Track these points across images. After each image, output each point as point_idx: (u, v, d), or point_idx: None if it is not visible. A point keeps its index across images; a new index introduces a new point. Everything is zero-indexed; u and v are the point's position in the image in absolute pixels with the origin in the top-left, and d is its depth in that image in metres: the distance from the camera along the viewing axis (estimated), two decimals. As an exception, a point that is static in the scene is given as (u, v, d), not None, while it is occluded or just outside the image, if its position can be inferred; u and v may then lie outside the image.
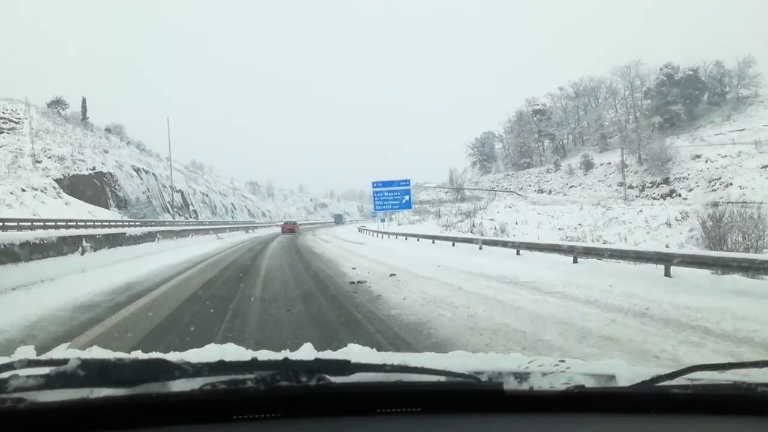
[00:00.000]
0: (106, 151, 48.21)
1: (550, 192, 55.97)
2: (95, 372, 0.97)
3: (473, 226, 28.12)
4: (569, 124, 69.77)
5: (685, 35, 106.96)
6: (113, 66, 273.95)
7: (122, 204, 42.33)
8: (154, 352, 1.25)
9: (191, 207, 60.51)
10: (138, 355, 1.19)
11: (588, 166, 55.43)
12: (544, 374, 1.06)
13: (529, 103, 74.18)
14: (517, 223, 27.73)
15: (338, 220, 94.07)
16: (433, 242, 19.05)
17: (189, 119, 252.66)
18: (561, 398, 1.03)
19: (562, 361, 1.17)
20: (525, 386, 1.04)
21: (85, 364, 0.97)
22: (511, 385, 1.05)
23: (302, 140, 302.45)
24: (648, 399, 1.06)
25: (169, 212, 48.65)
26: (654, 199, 40.10)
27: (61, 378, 0.95)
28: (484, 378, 1.06)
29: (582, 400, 1.04)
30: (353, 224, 76.27)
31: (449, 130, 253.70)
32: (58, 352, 1.44)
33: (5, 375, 0.97)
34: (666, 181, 43.02)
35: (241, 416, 1.01)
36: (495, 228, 25.82)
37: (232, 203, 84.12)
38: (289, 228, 41.02)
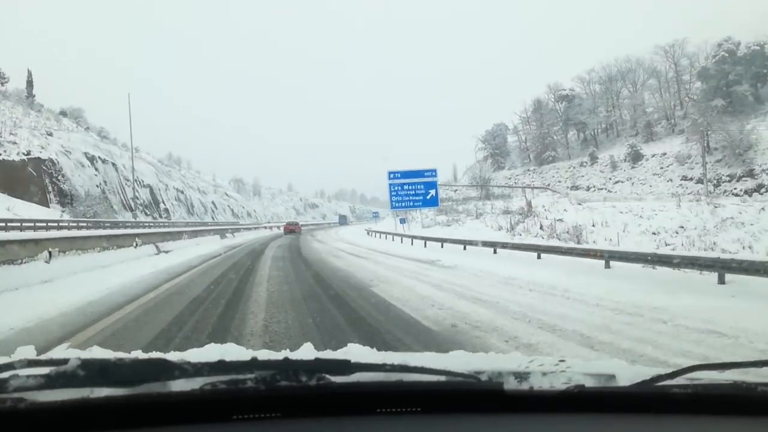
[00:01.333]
0: (50, 134, 46.20)
1: (588, 188, 55.45)
2: (95, 372, 1.14)
3: (542, 228, 25.71)
4: (600, 112, 69.69)
5: (683, 35, 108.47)
6: (110, 65, 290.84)
7: (67, 199, 39.33)
8: (154, 352, 1.45)
9: (162, 205, 60.32)
10: (138, 355, 1.38)
11: (635, 157, 54.28)
12: (544, 374, 1.25)
13: (551, 89, 74.15)
14: (594, 225, 24.87)
15: (342, 221, 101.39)
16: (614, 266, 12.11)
17: (188, 119, 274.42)
18: (561, 398, 1.21)
19: (562, 360, 1.37)
20: (525, 386, 1.23)
21: (85, 364, 1.14)
22: (511, 384, 1.23)
23: (298, 140, 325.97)
24: (648, 399, 1.24)
25: (131, 210, 47.90)
26: (735, 195, 38.54)
27: (61, 378, 1.12)
28: (484, 378, 1.24)
29: (582, 399, 1.22)
30: (352, 225, 76.50)
31: (449, 129, 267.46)
32: (58, 352, 1.63)
33: (5, 375, 1.14)
34: (750, 173, 41.31)
35: (241, 416, 1.18)
36: (568, 232, 23.60)
37: (213, 202, 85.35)
38: (291, 229, 49.00)
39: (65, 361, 1.15)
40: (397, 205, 32.48)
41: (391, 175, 32.34)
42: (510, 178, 71.99)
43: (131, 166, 47.80)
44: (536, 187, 60.21)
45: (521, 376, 1.25)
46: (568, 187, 57.99)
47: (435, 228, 33.29)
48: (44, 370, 1.14)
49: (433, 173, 32.96)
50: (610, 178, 55.89)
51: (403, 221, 32.99)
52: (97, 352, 1.47)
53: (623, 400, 1.25)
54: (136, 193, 50.36)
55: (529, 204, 34.43)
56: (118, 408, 1.14)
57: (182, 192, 71.78)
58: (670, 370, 1.26)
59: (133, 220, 43.07)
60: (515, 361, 1.40)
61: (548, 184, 62.25)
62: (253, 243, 30.37)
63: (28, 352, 1.38)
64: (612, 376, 1.30)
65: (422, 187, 32.00)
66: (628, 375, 1.29)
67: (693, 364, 1.29)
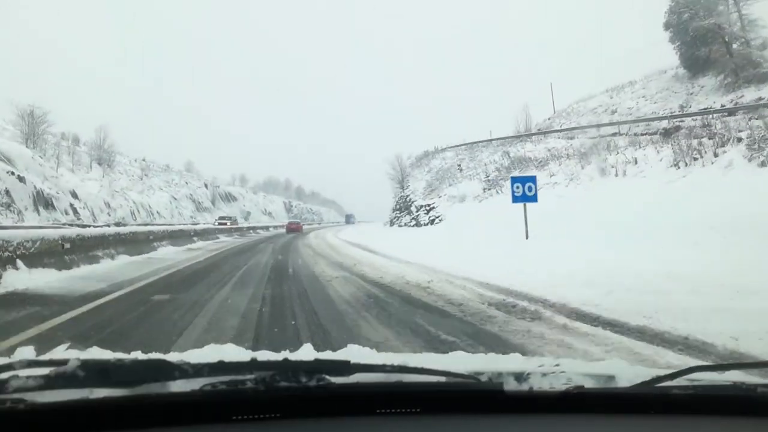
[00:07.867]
0: None
1: None
2: (95, 372, 1.15)
3: None
4: None
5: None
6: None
7: None
8: (154, 353, 1.46)
9: None
10: (138, 355, 1.39)
11: None
12: (544, 374, 1.26)
13: None
14: None
15: (349, 219, 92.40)
16: None
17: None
18: (561, 398, 1.23)
19: (563, 361, 1.37)
20: (525, 386, 1.24)
21: (85, 364, 1.15)
22: (511, 385, 1.24)
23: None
24: (648, 399, 1.25)
25: None
26: None
27: (61, 378, 1.13)
28: (484, 378, 1.26)
29: (582, 400, 1.23)
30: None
31: (446, 132, 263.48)
32: (58, 353, 1.64)
33: (5, 375, 1.15)
34: None
35: (240, 417, 1.19)
36: None
37: None
38: (293, 228, 45.85)
39: (65, 362, 1.16)
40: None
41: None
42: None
43: None
44: None
45: (521, 376, 1.26)
46: None
47: None
48: (44, 371, 1.15)
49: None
50: None
51: None
52: (97, 353, 1.48)
53: (623, 401, 1.27)
54: None
55: None
56: (118, 408, 1.14)
57: None
58: (670, 371, 1.27)
59: None
60: (515, 361, 1.41)
61: None
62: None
63: (27, 352, 1.39)
64: (612, 377, 1.32)
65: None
66: (628, 376, 1.30)
67: (693, 365, 1.30)
